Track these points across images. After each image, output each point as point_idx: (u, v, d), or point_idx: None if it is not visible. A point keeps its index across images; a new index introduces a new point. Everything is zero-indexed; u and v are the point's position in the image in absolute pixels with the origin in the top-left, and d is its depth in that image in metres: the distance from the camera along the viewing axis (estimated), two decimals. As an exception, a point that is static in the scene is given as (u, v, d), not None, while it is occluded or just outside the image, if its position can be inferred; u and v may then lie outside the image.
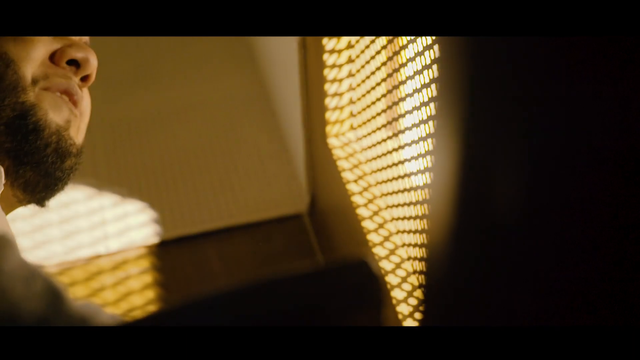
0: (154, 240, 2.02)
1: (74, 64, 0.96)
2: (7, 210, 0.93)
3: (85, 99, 0.98)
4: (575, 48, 0.36)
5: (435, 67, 1.09)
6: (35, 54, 0.90)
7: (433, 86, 1.12)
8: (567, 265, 0.34)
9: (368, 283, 0.50)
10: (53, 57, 0.92)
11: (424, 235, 1.26)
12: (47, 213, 2.08)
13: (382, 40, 1.37)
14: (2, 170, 0.84)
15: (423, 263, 1.35)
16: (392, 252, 1.49)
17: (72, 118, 0.94)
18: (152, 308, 1.93)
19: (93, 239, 2.05)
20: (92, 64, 0.96)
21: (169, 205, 2.08)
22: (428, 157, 1.14)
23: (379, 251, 1.50)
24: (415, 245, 1.40)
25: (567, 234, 0.33)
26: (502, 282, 0.35)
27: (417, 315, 1.34)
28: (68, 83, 0.93)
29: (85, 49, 0.95)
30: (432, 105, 1.15)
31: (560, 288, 0.34)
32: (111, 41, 2.15)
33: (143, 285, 1.96)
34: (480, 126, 0.36)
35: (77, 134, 0.97)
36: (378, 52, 1.40)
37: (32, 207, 0.99)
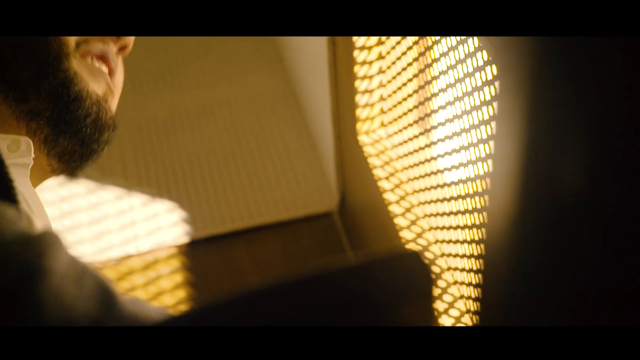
0: (184, 240, 2.03)
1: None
2: (39, 180, 0.92)
3: (119, 70, 0.98)
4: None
5: (480, 60, 1.08)
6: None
7: (468, 81, 1.11)
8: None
9: (419, 273, 0.50)
10: None
11: (470, 230, 1.25)
12: (78, 214, 2.09)
13: (410, 40, 1.37)
14: (32, 143, 0.83)
15: (458, 259, 1.34)
16: (424, 248, 1.48)
17: (109, 91, 0.95)
18: (183, 307, 1.93)
19: (123, 240, 2.06)
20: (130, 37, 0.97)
21: (198, 204, 2.08)
22: (481, 146, 1.12)
23: (413, 247, 1.49)
24: (449, 241, 1.39)
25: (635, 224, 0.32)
26: (571, 276, 0.34)
27: (459, 313, 1.33)
28: (105, 48, 0.93)
29: None
30: (466, 99, 1.14)
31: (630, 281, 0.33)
32: (139, 41, 2.15)
33: (174, 285, 1.97)
34: (542, 115, 0.35)
35: (113, 108, 0.97)
36: (410, 48, 1.39)
37: (62, 179, 0.97)
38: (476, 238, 1.19)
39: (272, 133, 2.22)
